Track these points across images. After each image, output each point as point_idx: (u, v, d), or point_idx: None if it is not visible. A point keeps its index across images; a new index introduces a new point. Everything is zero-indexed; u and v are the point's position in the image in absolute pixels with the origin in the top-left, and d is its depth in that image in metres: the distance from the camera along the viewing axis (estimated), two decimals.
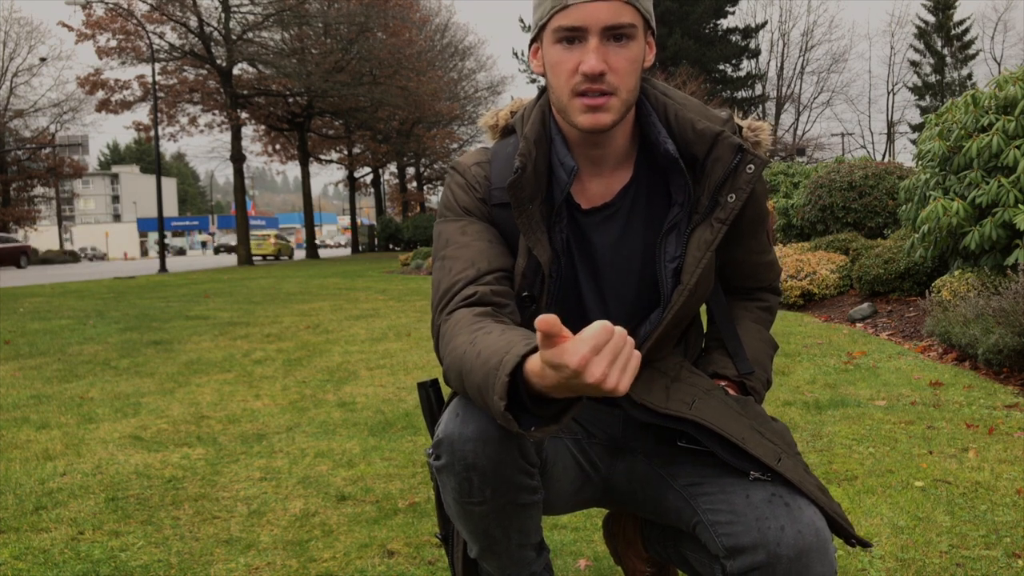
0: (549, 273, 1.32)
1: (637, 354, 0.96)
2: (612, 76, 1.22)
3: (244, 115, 30.67)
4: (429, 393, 1.39)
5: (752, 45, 39.18)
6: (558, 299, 1.34)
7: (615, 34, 1.21)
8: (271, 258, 39.43)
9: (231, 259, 37.96)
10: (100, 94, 27.73)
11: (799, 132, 44.53)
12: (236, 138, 29.16)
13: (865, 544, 1.25)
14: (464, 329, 1.18)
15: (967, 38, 44.18)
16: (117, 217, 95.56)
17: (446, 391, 1.43)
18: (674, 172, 1.31)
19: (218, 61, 27.82)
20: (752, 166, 1.29)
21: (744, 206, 1.34)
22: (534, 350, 1.00)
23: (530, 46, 1.34)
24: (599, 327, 0.91)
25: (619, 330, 0.93)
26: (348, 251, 53.15)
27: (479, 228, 1.33)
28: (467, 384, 1.11)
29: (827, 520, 1.20)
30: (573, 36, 1.22)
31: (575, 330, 1.45)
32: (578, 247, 1.36)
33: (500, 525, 1.22)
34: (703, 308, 1.46)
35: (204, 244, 74.85)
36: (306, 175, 33.89)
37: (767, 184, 1.65)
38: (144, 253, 75.81)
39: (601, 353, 0.91)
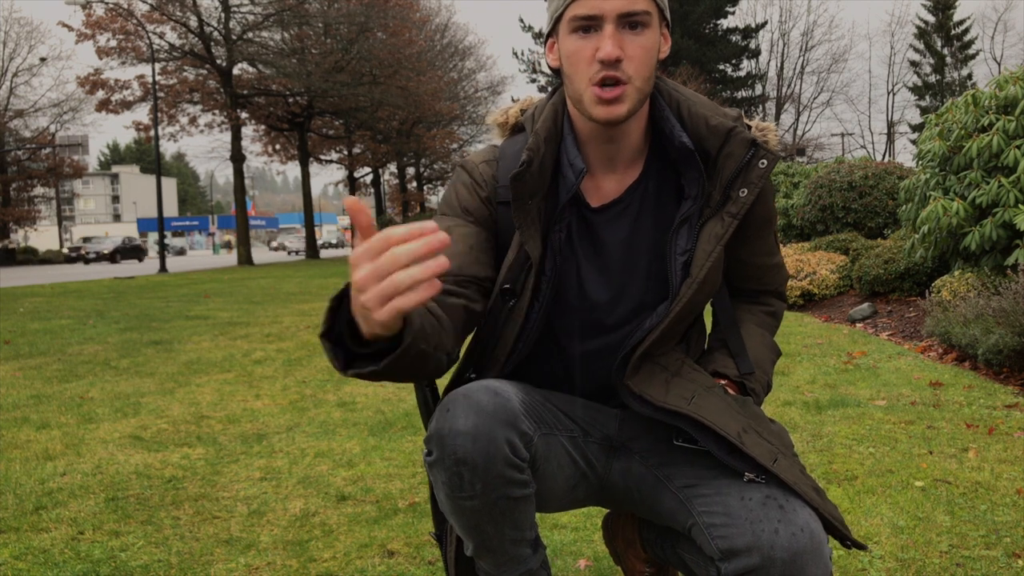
0: (540, 270, 1.32)
1: (431, 285, 0.84)
2: (628, 64, 1.22)
3: (244, 115, 30.65)
4: (426, 393, 1.39)
5: (752, 45, 39.15)
6: (549, 297, 1.34)
7: (630, 21, 1.22)
8: None
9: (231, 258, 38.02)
10: (100, 94, 27.72)
11: (799, 132, 44.48)
12: (236, 138, 29.15)
13: (861, 546, 1.24)
14: None
15: (967, 38, 44.14)
16: (117, 217, 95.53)
17: (443, 390, 1.43)
18: (688, 166, 1.32)
19: (218, 61, 27.81)
20: (765, 161, 1.29)
21: (753, 203, 1.34)
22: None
23: (545, 42, 1.34)
24: (398, 229, 0.83)
25: (414, 236, 0.84)
26: (347, 251, 53.49)
27: (465, 232, 1.33)
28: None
29: (823, 522, 1.19)
30: (589, 25, 1.22)
31: (576, 330, 1.44)
32: (587, 244, 1.36)
33: (492, 520, 1.22)
34: (708, 310, 1.46)
35: (227, 243, 72.56)
36: (306, 175, 33.87)
37: None
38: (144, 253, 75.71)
39: (375, 259, 0.84)
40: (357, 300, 0.88)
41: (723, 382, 1.40)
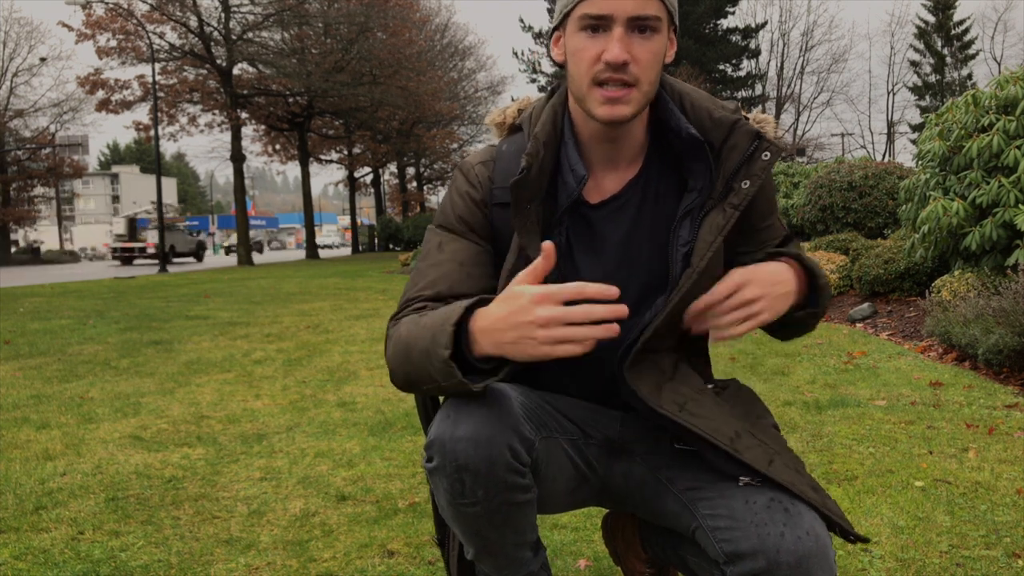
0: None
1: (593, 341, 1.02)
2: (635, 67, 1.21)
3: (244, 115, 30.62)
4: (425, 397, 1.39)
5: (752, 45, 39.15)
6: None
7: (640, 25, 1.21)
8: None
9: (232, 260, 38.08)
10: (100, 94, 27.69)
11: (799, 132, 44.44)
12: (236, 138, 29.14)
13: (863, 539, 1.24)
14: (407, 321, 1.26)
15: (967, 38, 44.11)
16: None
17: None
18: (695, 158, 1.31)
19: (218, 61, 27.79)
20: (768, 153, 1.29)
21: (755, 196, 1.34)
22: (478, 303, 1.12)
23: (551, 34, 1.33)
24: (592, 286, 1.01)
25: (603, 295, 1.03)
26: (347, 251, 53.28)
27: (457, 247, 1.34)
28: (412, 357, 1.17)
29: (825, 519, 1.19)
30: (598, 24, 1.21)
31: None
32: (585, 241, 1.36)
33: (494, 525, 1.21)
34: None
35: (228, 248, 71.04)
36: (306, 175, 33.85)
37: None
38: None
39: (563, 305, 1.04)
40: (527, 330, 1.02)
41: (781, 260, 1.35)
